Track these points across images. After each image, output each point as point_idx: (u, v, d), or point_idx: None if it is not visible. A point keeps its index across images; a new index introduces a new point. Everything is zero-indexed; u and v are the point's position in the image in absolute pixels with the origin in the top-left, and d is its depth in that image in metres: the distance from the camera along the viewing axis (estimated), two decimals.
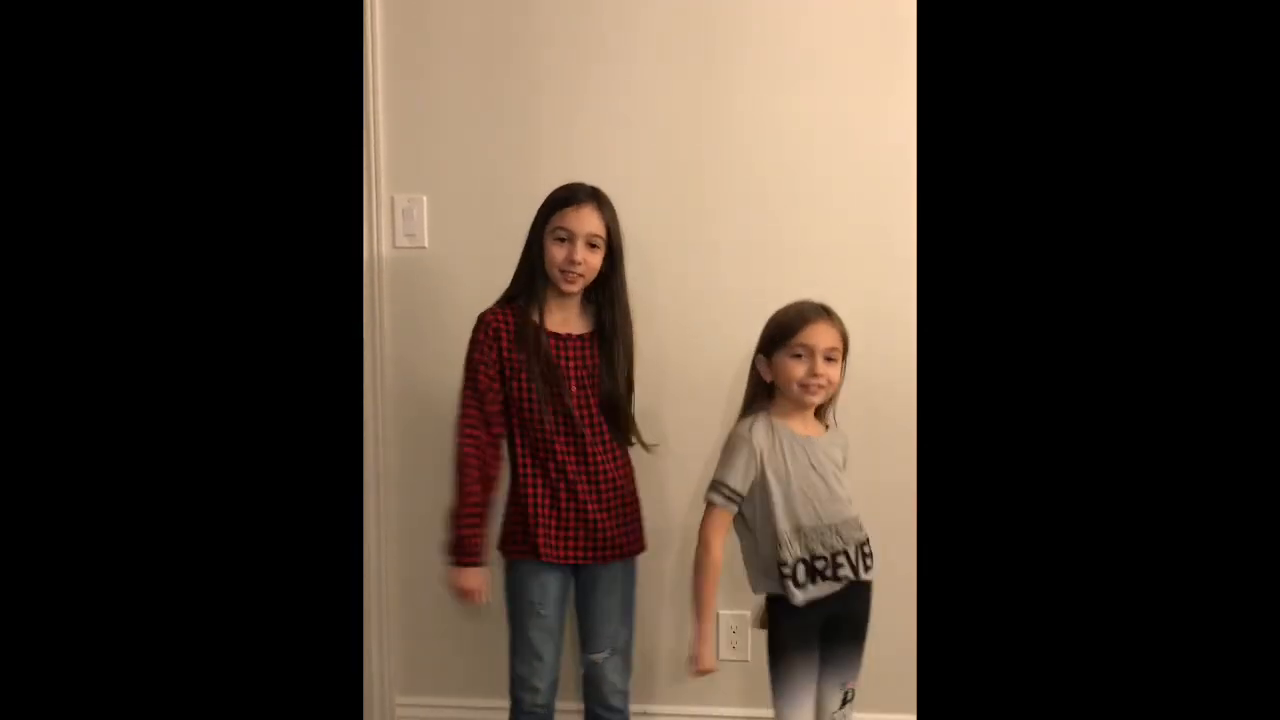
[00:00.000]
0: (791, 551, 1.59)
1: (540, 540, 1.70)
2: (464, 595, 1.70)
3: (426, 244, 2.11)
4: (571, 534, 1.72)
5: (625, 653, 1.83)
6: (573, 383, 1.72)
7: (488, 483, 1.71)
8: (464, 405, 1.71)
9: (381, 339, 2.12)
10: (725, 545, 1.64)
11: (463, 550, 1.68)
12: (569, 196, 1.70)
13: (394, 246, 2.11)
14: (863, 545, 1.64)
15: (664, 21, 2.01)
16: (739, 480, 1.61)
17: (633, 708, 1.88)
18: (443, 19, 2.06)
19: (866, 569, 1.64)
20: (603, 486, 1.73)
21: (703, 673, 1.65)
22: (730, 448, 1.63)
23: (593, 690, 1.82)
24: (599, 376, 1.74)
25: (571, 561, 1.73)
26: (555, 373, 1.71)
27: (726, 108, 2.02)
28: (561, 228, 1.68)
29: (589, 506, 1.71)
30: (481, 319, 1.73)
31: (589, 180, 1.72)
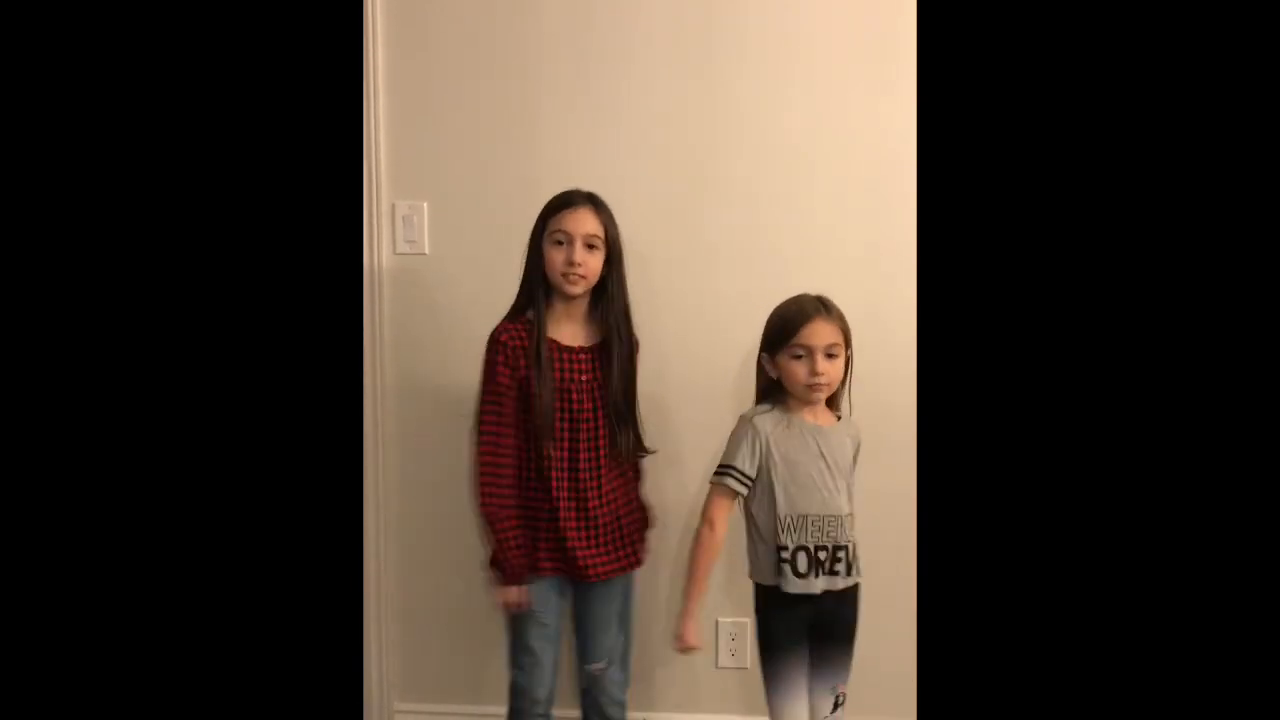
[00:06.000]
0: (792, 538, 1.61)
1: (542, 556, 1.69)
2: (512, 607, 1.70)
3: (427, 250, 2.11)
4: (573, 550, 1.69)
5: (623, 662, 1.82)
6: (586, 397, 1.70)
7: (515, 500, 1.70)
8: (490, 426, 1.67)
9: (382, 345, 2.12)
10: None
11: (515, 575, 1.68)
12: (565, 200, 1.70)
13: (395, 253, 2.12)
14: (855, 547, 1.66)
15: (664, 28, 2.02)
16: (746, 464, 1.63)
17: (633, 715, 1.88)
18: (443, 26, 2.07)
19: (858, 570, 1.67)
20: (604, 502, 1.72)
21: (685, 649, 1.64)
22: (736, 434, 1.66)
23: (590, 701, 1.82)
24: (605, 388, 1.72)
25: (576, 576, 1.72)
26: (565, 387, 1.69)
27: (727, 112, 2.02)
28: (559, 230, 1.68)
29: (590, 523, 1.70)
30: (496, 339, 1.69)
31: (590, 186, 1.73)
